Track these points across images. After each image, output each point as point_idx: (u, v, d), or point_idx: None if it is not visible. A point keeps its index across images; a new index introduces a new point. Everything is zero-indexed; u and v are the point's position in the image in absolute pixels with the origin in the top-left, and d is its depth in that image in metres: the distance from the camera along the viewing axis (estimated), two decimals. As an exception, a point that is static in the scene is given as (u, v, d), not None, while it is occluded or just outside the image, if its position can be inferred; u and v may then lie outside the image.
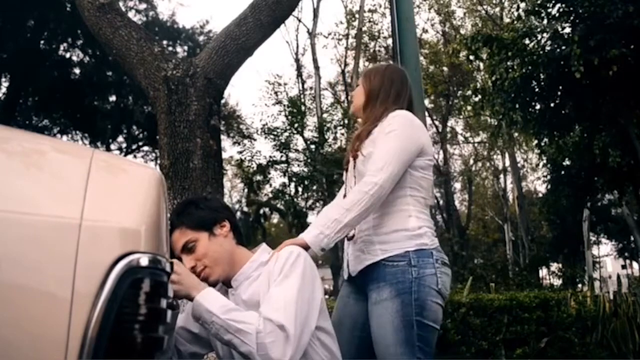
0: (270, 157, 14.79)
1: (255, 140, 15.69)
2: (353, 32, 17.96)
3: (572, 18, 8.40)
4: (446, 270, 1.66)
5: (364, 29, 17.63)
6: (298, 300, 1.43)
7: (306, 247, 1.56)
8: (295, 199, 15.46)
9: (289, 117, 14.64)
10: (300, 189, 15.07)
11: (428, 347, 1.58)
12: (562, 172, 12.51)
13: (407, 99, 1.85)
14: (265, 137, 14.82)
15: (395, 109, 1.76)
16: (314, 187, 14.96)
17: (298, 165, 14.83)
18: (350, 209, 1.57)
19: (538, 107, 9.76)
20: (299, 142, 15.06)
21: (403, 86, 1.86)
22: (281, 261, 1.50)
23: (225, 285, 1.62)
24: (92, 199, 0.77)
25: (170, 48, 13.46)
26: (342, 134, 14.85)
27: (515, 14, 9.68)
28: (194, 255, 1.53)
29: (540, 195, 21.53)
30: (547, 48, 8.69)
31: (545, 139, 10.30)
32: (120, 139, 15.99)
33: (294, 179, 14.72)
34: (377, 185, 1.57)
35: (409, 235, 1.64)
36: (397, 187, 1.65)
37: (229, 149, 23.35)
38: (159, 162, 3.43)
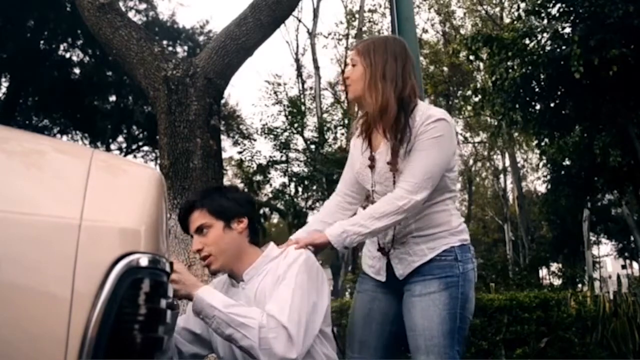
0: (270, 157, 14.79)
1: (255, 140, 15.69)
2: (353, 32, 17.95)
3: (572, 18, 8.40)
4: (476, 263, 1.75)
5: (364, 29, 17.61)
6: (303, 302, 1.44)
7: (328, 244, 1.57)
8: (295, 199, 15.45)
9: (289, 117, 14.64)
10: (300, 189, 15.07)
11: (462, 339, 1.66)
12: (562, 172, 12.50)
13: (414, 78, 1.70)
14: (265, 137, 14.82)
15: (416, 101, 1.65)
16: (314, 187, 14.95)
17: (298, 165, 14.84)
18: (379, 219, 1.56)
19: (538, 107, 9.76)
20: (299, 142, 15.06)
21: (408, 60, 1.69)
22: (289, 260, 1.51)
23: (234, 279, 1.62)
24: (91, 199, 0.77)
25: (170, 48, 13.46)
26: (342, 134, 14.84)
27: (515, 14, 9.69)
28: (204, 239, 1.55)
29: (540, 195, 21.53)
30: (547, 48, 8.68)
31: (546, 139, 10.30)
32: (120, 139, 16.00)
33: (294, 179, 14.72)
34: (413, 201, 1.55)
35: (452, 232, 1.68)
36: (435, 190, 1.64)
37: (229, 149, 23.33)
38: (159, 162, 3.43)
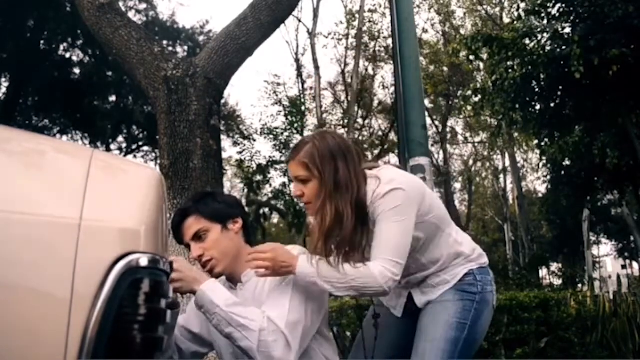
0: (270, 157, 14.80)
1: (255, 140, 15.69)
2: (353, 32, 17.95)
3: (572, 18, 8.39)
4: (495, 288, 1.77)
5: (364, 29, 17.61)
6: (301, 307, 1.45)
7: (292, 272, 1.47)
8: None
9: (289, 117, 14.64)
10: (300, 189, 15.02)
11: (467, 355, 1.62)
12: (562, 172, 12.50)
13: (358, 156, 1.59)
14: (265, 137, 14.82)
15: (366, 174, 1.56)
16: (314, 187, 14.91)
17: (298, 166, 14.83)
18: (352, 287, 1.45)
19: (538, 107, 9.75)
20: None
21: (352, 150, 1.57)
22: None
23: (232, 281, 1.63)
24: (91, 199, 0.77)
25: (170, 48, 13.45)
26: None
27: (515, 14, 9.68)
28: (203, 244, 1.56)
29: (540, 195, 21.54)
30: (547, 48, 8.68)
31: (546, 139, 10.29)
32: (120, 139, 15.99)
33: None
34: (392, 281, 1.46)
35: (469, 259, 1.69)
36: (429, 233, 1.62)
37: (229, 149, 23.35)
38: (159, 162, 3.43)
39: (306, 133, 14.99)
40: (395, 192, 1.50)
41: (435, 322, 1.61)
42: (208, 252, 1.55)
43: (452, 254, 1.67)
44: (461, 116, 20.53)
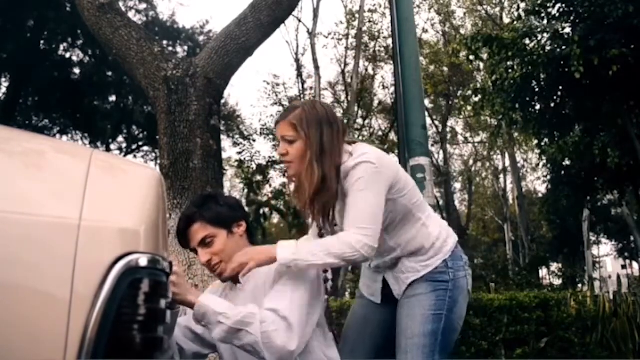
0: (270, 157, 14.79)
1: (254, 141, 15.70)
2: (353, 32, 17.94)
3: (572, 18, 8.39)
4: (470, 271, 1.76)
5: (364, 29, 17.60)
6: (302, 296, 1.48)
7: (274, 261, 1.52)
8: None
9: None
10: (300, 189, 15.04)
11: (447, 343, 1.65)
12: (562, 172, 12.50)
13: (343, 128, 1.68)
14: (265, 138, 14.83)
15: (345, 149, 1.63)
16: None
17: (298, 166, 14.85)
18: (335, 257, 1.51)
19: (538, 107, 9.76)
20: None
21: (339, 123, 1.66)
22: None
23: (233, 282, 1.64)
24: (91, 199, 0.77)
25: (170, 48, 13.45)
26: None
27: (515, 14, 9.68)
28: (210, 249, 1.58)
29: (540, 195, 21.54)
30: (547, 48, 8.68)
31: (545, 139, 10.30)
32: (120, 139, 15.99)
33: (293, 179, 14.72)
34: (367, 246, 1.51)
35: (439, 247, 1.69)
36: (398, 213, 1.66)
37: (229, 149, 23.34)
38: (159, 162, 3.43)
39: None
40: (364, 164, 1.56)
41: (411, 317, 1.63)
42: (216, 257, 1.58)
43: (421, 242, 1.68)
44: (461, 116, 20.52)
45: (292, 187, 1.78)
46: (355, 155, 1.60)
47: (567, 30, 8.57)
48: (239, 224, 1.64)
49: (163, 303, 0.80)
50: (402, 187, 1.64)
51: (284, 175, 14.84)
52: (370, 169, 1.56)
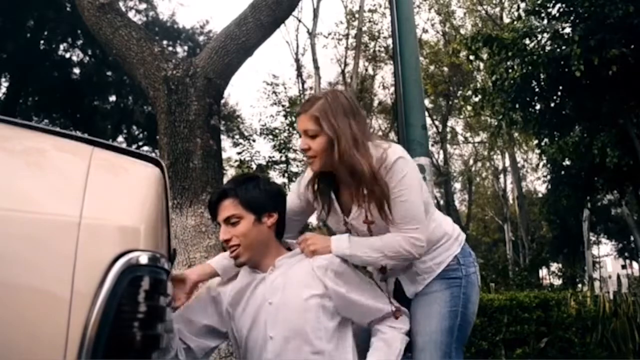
0: (270, 157, 14.79)
1: (254, 141, 15.69)
2: (353, 32, 17.94)
3: (572, 18, 8.39)
4: (478, 267, 1.77)
5: (364, 29, 17.61)
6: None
7: (328, 252, 1.56)
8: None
9: (288, 117, 14.63)
10: (299, 189, 15.03)
11: (463, 337, 1.67)
12: (562, 172, 12.50)
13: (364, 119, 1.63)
14: (265, 138, 14.82)
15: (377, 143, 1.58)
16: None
17: (297, 166, 14.83)
18: (386, 255, 1.53)
19: (538, 107, 9.75)
20: (298, 143, 15.01)
21: (358, 108, 1.60)
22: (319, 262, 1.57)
23: (252, 268, 1.61)
24: (91, 197, 0.77)
25: (170, 48, 13.45)
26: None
27: (515, 14, 9.68)
28: (233, 230, 1.54)
29: (540, 195, 21.54)
30: (547, 48, 8.68)
31: (545, 139, 10.30)
32: (120, 139, 15.99)
33: (293, 179, 14.72)
34: (418, 247, 1.53)
35: (450, 242, 1.69)
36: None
37: (229, 149, 23.33)
38: (158, 161, 3.42)
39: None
40: (403, 160, 1.53)
41: (427, 316, 1.63)
42: (236, 239, 1.54)
43: (435, 239, 1.67)
44: (461, 116, 20.53)
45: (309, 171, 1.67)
46: (387, 148, 1.54)
47: (567, 30, 8.56)
48: (271, 214, 1.58)
49: (163, 301, 0.80)
50: (423, 186, 1.65)
51: (283, 175, 14.85)
52: (411, 165, 1.54)
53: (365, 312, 1.58)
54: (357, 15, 17.53)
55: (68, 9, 11.65)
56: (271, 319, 1.52)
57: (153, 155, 1.04)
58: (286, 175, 14.77)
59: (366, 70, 19.17)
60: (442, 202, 21.53)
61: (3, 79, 13.41)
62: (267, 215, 1.58)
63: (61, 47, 13.74)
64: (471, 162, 23.76)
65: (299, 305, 1.51)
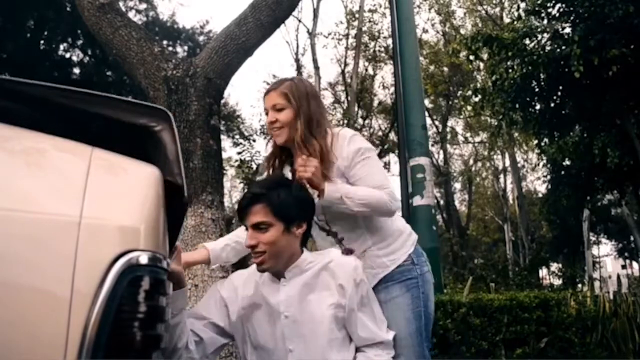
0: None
1: (254, 141, 15.69)
2: (353, 32, 17.95)
3: (572, 18, 8.39)
4: (430, 266, 1.86)
5: (364, 29, 17.61)
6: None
7: (322, 187, 1.62)
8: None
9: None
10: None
11: (429, 335, 1.76)
12: (562, 172, 12.51)
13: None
14: (265, 138, 14.81)
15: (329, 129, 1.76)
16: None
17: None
18: (369, 203, 1.63)
19: (538, 107, 9.76)
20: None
21: (318, 94, 1.85)
22: (348, 269, 1.60)
23: (273, 275, 1.61)
24: (91, 197, 0.77)
25: (170, 48, 13.46)
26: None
27: (515, 14, 9.67)
28: (261, 236, 1.52)
29: (540, 195, 21.53)
30: (547, 48, 8.68)
31: (545, 139, 10.30)
32: (120, 139, 15.99)
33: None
34: (392, 203, 1.66)
35: (404, 239, 1.78)
36: None
37: (229, 149, 23.34)
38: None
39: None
40: (357, 136, 1.74)
41: (395, 324, 1.69)
42: (263, 246, 1.52)
43: (390, 232, 1.75)
44: (461, 116, 20.53)
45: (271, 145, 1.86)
46: (342, 129, 1.75)
47: (567, 30, 8.57)
48: (300, 224, 1.57)
49: (163, 300, 0.80)
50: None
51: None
52: (364, 140, 1.74)
53: (363, 331, 1.62)
54: (357, 15, 17.53)
55: (68, 9, 11.65)
56: (288, 332, 1.54)
57: (161, 107, 1.04)
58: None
59: (366, 70, 19.17)
60: (442, 202, 21.53)
61: (3, 79, 13.40)
62: (296, 225, 1.56)
63: (61, 47, 13.74)
64: (471, 162, 23.77)
65: (316, 318, 1.53)
